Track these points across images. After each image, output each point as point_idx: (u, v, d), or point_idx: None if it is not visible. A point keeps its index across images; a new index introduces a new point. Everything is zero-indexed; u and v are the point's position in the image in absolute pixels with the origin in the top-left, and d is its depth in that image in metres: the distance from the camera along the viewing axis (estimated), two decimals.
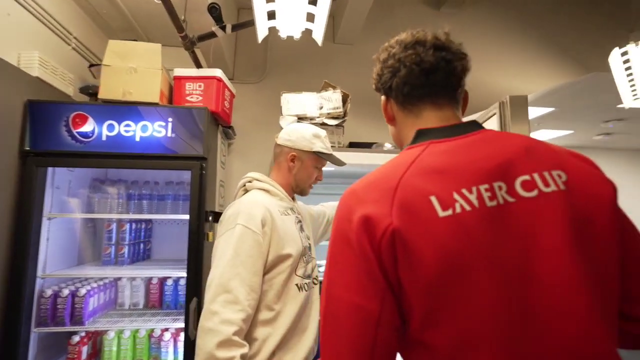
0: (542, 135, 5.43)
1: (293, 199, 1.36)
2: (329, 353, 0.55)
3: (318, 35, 1.55)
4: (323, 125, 2.03)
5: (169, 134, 1.86)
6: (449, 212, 0.53)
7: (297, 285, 1.18)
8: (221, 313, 1.00)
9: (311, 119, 2.00)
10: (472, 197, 0.54)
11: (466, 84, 0.72)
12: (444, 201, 0.54)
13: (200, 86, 1.99)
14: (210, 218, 1.91)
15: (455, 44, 0.70)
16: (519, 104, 1.39)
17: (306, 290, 1.20)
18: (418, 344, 0.54)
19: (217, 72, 2.01)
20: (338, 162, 1.39)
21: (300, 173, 1.31)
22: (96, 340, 1.99)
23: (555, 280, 0.52)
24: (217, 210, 2.16)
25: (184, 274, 1.81)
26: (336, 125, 2.05)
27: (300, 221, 1.31)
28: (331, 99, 1.99)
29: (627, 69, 2.51)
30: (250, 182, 1.29)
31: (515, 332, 0.51)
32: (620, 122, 4.85)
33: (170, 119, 1.87)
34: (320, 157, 1.32)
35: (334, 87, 2.03)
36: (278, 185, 1.29)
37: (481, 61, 3.08)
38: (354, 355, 0.53)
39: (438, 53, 0.67)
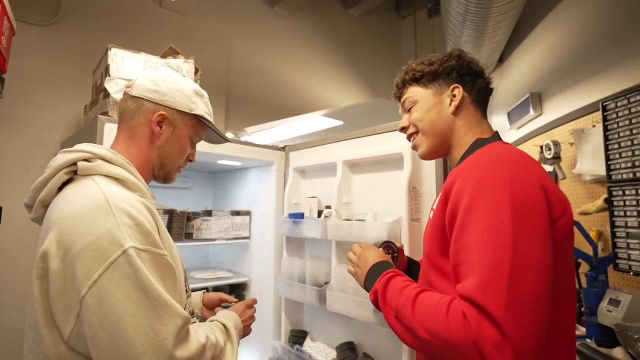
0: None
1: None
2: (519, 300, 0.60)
3: None
4: None
5: None
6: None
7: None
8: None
9: None
10: None
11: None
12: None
13: None
14: None
15: None
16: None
17: None
18: None
19: None
20: (218, 139, 0.99)
21: (170, 145, 0.86)
22: None
23: None
24: None
25: None
26: None
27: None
28: (181, 69, 1.62)
29: None
30: (87, 160, 0.74)
31: None
32: None
33: None
34: (201, 126, 0.91)
35: (186, 56, 1.66)
36: (136, 170, 0.80)
37: (309, 68, 3.29)
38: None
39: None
